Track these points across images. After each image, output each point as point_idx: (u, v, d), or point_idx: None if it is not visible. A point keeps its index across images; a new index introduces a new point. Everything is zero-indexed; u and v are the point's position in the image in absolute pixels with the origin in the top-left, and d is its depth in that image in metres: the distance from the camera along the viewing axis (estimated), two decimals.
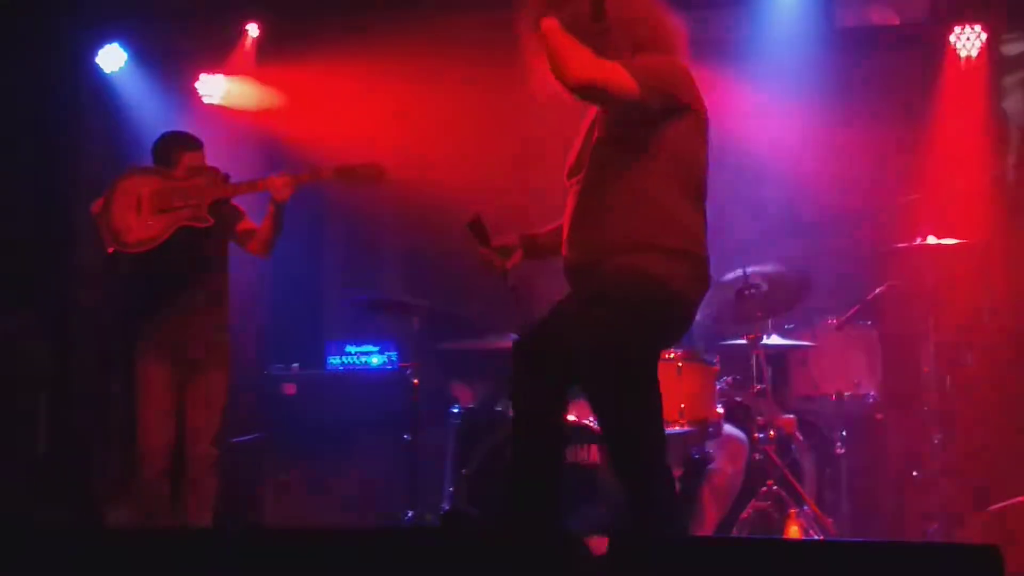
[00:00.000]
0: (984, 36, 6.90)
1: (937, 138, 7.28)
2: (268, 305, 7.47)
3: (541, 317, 3.90)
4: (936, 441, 5.56)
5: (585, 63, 3.62)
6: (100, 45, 7.21)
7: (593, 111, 3.93)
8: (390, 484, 6.11)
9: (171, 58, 7.31)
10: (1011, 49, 7.27)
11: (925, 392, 5.65)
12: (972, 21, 7.02)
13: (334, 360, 6.64)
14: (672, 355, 5.45)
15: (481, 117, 6.84)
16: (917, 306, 5.72)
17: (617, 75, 3.61)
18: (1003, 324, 6.65)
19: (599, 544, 4.76)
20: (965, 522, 5.36)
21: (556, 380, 3.79)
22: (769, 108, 7.65)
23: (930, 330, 5.67)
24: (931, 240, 5.66)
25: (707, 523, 5.58)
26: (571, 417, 5.36)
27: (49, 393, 6.69)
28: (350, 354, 6.61)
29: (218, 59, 7.29)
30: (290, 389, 6.43)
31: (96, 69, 7.24)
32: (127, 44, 7.26)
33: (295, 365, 6.58)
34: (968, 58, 7.16)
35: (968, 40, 6.96)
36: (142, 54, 7.27)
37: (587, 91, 3.65)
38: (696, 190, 3.80)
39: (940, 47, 7.21)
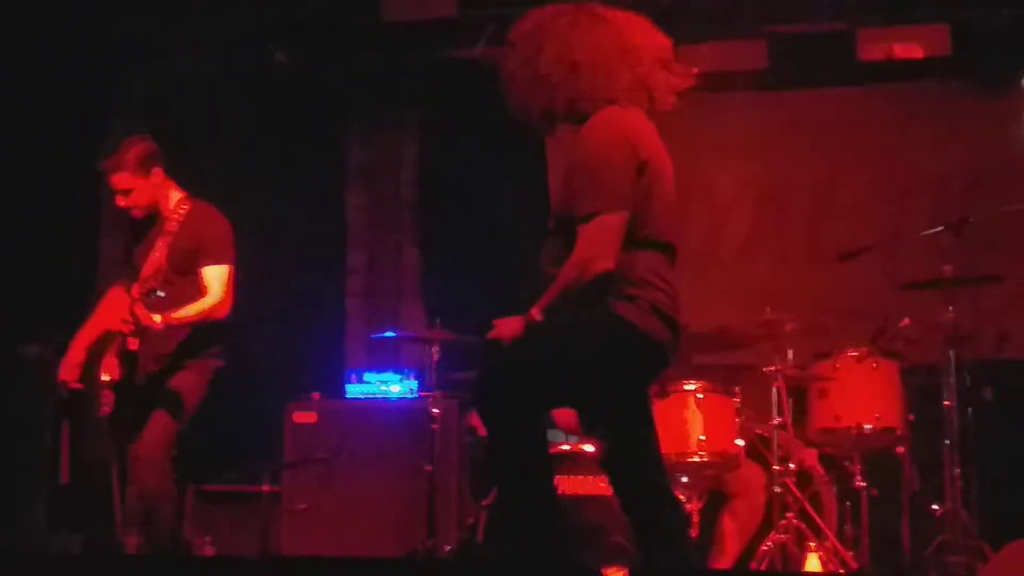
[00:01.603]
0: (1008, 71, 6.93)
1: (960, 170, 7.29)
2: (288, 334, 7.49)
3: None
4: (957, 474, 5.52)
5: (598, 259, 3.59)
6: None
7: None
8: (409, 514, 6.09)
9: None
10: None
11: (946, 425, 5.61)
12: (997, 54, 7.04)
13: (353, 389, 6.64)
14: (693, 386, 5.44)
15: None
16: (938, 339, 5.69)
17: (612, 230, 3.59)
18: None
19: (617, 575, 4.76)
20: (988, 556, 5.31)
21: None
22: (791, 140, 7.68)
23: (951, 363, 5.63)
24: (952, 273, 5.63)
25: (727, 556, 5.57)
26: (589, 448, 5.36)
27: (72, 419, 6.71)
28: (370, 383, 6.61)
29: None
30: (310, 418, 6.42)
31: None
32: None
33: (315, 394, 6.58)
34: (993, 91, 7.19)
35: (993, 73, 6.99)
36: None
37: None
38: (652, 233, 3.74)
39: (965, 80, 7.23)
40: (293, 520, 6.28)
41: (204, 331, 5.08)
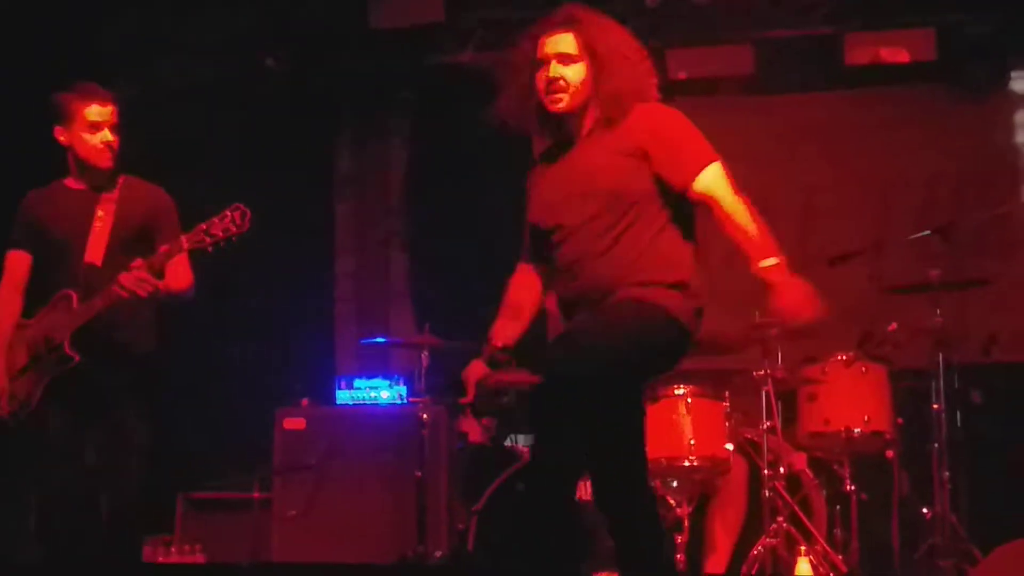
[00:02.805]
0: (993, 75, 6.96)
1: (946, 174, 7.31)
2: (277, 340, 7.49)
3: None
4: (946, 478, 5.54)
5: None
6: None
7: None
8: (399, 521, 6.09)
9: None
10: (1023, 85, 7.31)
11: (935, 429, 5.63)
12: (983, 58, 7.07)
13: (343, 395, 6.64)
14: (682, 390, 5.45)
15: None
16: (926, 343, 5.71)
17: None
18: (1012, 360, 6.65)
19: None
20: (977, 560, 5.33)
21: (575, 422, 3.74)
22: (778, 144, 7.70)
23: (939, 367, 5.66)
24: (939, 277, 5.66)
25: (720, 554, 5.58)
26: None
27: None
28: (359, 389, 6.61)
29: None
30: (299, 424, 6.42)
31: None
32: None
33: (304, 400, 6.58)
34: (979, 95, 7.22)
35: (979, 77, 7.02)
36: None
37: None
38: (691, 227, 3.83)
39: (951, 84, 7.25)
40: (283, 527, 6.28)
41: None
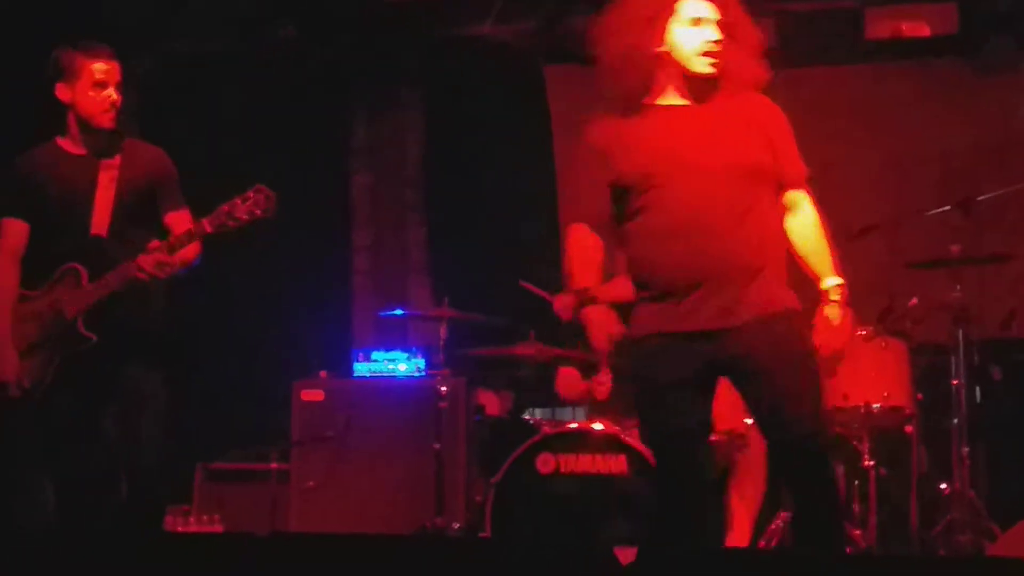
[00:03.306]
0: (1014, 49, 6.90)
1: (967, 149, 7.27)
2: (295, 312, 7.49)
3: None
4: (965, 453, 5.53)
5: None
6: None
7: None
8: (417, 492, 6.11)
9: None
10: None
11: (954, 405, 5.62)
12: (1005, 33, 7.01)
13: (361, 367, 6.64)
14: None
15: None
16: (946, 318, 5.69)
17: None
18: None
19: (627, 554, 4.77)
20: (996, 535, 5.32)
21: None
22: (798, 118, 7.66)
23: (959, 342, 5.64)
24: (959, 253, 5.63)
25: (739, 532, 5.58)
26: (598, 427, 5.36)
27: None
28: (377, 361, 6.61)
29: None
30: (317, 396, 6.43)
31: None
32: None
33: (322, 372, 6.58)
34: (1001, 69, 7.17)
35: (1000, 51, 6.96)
36: None
37: None
38: None
39: (972, 58, 7.20)
40: (302, 498, 6.30)
41: None
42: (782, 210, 3.79)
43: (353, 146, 8.19)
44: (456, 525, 5.87)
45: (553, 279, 7.60)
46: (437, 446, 5.91)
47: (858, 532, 5.43)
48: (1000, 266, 6.11)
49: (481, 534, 5.29)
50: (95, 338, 4.33)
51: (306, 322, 7.45)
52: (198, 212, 4.46)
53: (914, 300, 5.83)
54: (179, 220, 4.52)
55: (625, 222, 3.76)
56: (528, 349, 5.70)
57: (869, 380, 5.67)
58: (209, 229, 4.30)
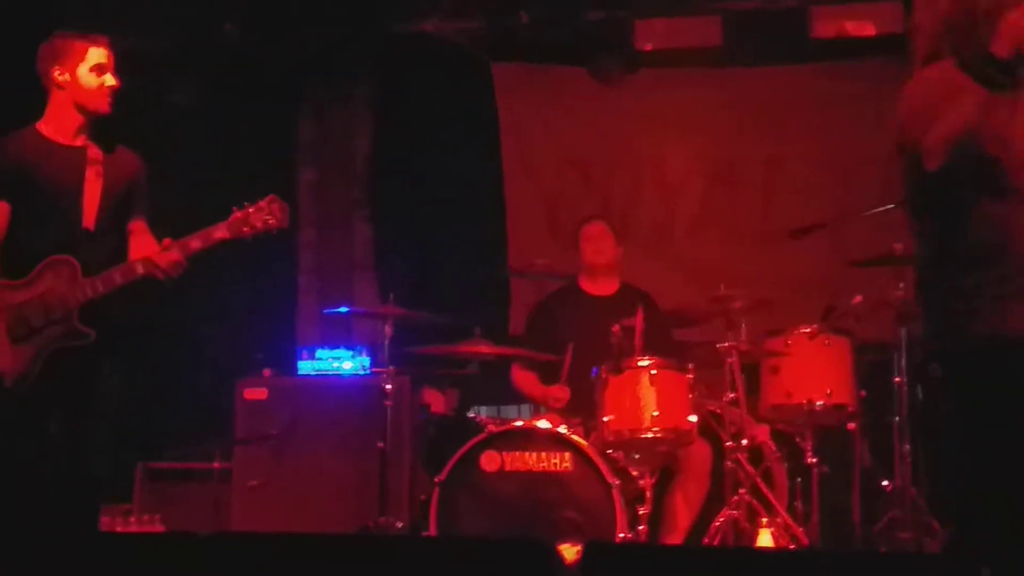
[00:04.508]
0: None
1: None
2: (239, 310, 7.43)
3: None
4: (906, 451, 5.57)
5: None
6: None
7: None
8: (361, 491, 6.07)
9: None
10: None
11: (896, 402, 5.66)
12: None
13: (305, 366, 6.60)
14: (646, 362, 5.45)
15: None
16: (889, 316, 5.73)
17: None
18: None
19: (571, 551, 4.77)
20: (936, 532, 5.37)
21: None
22: (743, 117, 7.71)
23: (902, 340, 5.68)
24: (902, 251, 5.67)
25: (678, 530, 5.59)
26: (543, 424, 5.35)
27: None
28: (322, 359, 6.57)
29: None
30: (260, 394, 6.38)
31: None
32: None
33: (266, 371, 6.53)
34: None
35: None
36: None
37: None
38: None
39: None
40: (243, 497, 6.25)
41: None
42: None
43: (299, 142, 8.14)
44: (400, 524, 5.84)
45: (499, 277, 7.63)
46: (381, 445, 5.87)
47: (801, 529, 5.45)
48: None
49: (425, 533, 5.25)
50: (94, 334, 4.28)
51: (250, 320, 7.39)
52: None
53: (858, 298, 5.86)
54: (140, 228, 4.52)
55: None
56: (473, 347, 5.68)
57: (812, 377, 5.71)
58: (228, 235, 4.31)
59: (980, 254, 3.36)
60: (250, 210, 4.30)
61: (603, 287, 6.14)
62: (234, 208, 4.35)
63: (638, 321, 5.56)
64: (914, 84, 3.56)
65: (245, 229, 4.29)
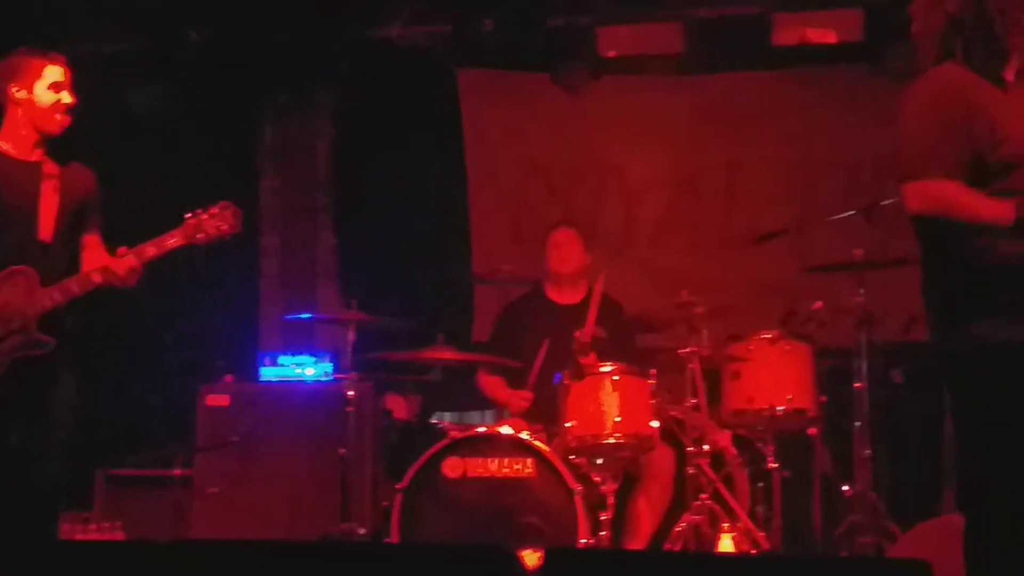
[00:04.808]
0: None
1: (870, 155, 7.37)
2: (201, 316, 7.40)
3: None
4: (867, 456, 5.61)
5: None
6: None
7: None
8: (323, 498, 6.05)
9: None
10: None
11: (857, 407, 5.70)
12: (908, 39, 7.11)
13: (268, 372, 6.58)
14: (609, 368, 5.46)
15: None
16: (849, 322, 5.76)
17: None
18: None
19: (532, 557, 4.77)
20: (896, 537, 5.40)
21: None
22: (705, 124, 7.75)
23: (862, 346, 5.72)
24: (862, 257, 5.72)
25: (641, 536, 5.60)
26: (505, 430, 5.36)
27: None
28: (284, 366, 6.55)
29: None
30: (223, 401, 6.35)
31: None
32: None
33: (228, 377, 6.50)
34: (903, 77, 7.26)
35: (902, 59, 7.04)
36: None
37: None
38: None
39: (876, 65, 7.30)
40: (204, 504, 6.22)
41: None
42: None
43: (262, 148, 8.11)
44: (362, 531, 5.82)
45: (463, 284, 7.63)
46: (343, 451, 5.85)
47: (762, 534, 5.47)
48: (902, 270, 6.17)
49: (387, 540, 5.24)
50: (53, 343, 4.27)
51: (212, 326, 7.36)
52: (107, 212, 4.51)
53: (818, 304, 5.90)
54: (94, 242, 4.54)
55: None
56: (437, 353, 5.67)
57: (773, 383, 5.73)
58: (182, 242, 4.33)
59: (980, 260, 3.46)
60: (203, 216, 4.32)
61: (569, 295, 6.12)
62: (187, 215, 4.36)
63: (596, 295, 5.58)
64: (916, 112, 3.56)
65: (199, 235, 4.31)
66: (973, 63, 3.53)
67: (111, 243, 4.51)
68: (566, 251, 6.13)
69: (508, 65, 7.87)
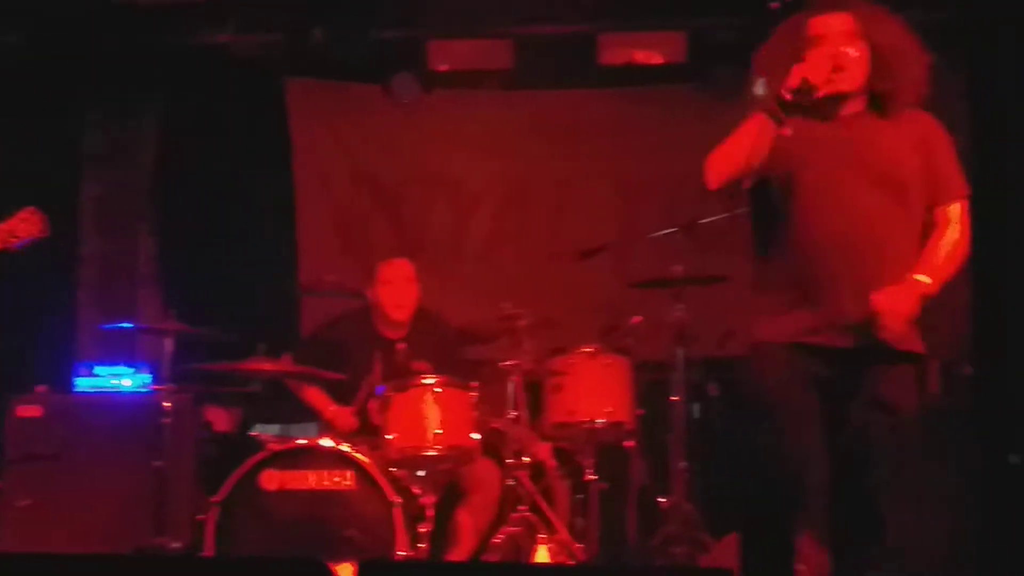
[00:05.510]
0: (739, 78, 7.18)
1: (692, 174, 7.52)
2: (15, 325, 7.16)
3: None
4: (682, 467, 5.72)
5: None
6: None
7: None
8: (137, 511, 5.92)
9: None
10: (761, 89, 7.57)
11: (673, 420, 5.82)
12: (730, 62, 7.30)
13: (83, 382, 6.41)
14: (430, 380, 5.47)
15: None
16: (668, 337, 5.88)
17: None
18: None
19: (347, 570, 4.74)
20: (709, 547, 5.52)
21: None
22: (534, 139, 7.84)
23: (679, 360, 5.84)
24: (681, 273, 5.85)
25: (462, 549, 5.61)
26: (325, 443, 5.31)
27: None
28: (100, 376, 6.40)
29: None
30: (35, 412, 6.17)
31: None
32: None
33: (41, 387, 6.32)
34: (725, 98, 7.45)
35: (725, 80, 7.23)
36: None
37: None
38: None
39: (700, 86, 7.47)
40: (15, 518, 6.03)
41: None
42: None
43: (85, 154, 7.91)
44: (177, 544, 5.71)
45: (289, 294, 7.56)
46: (159, 463, 5.74)
47: (579, 545, 5.53)
48: (719, 287, 6.35)
49: (201, 553, 5.15)
50: None
51: (26, 335, 7.13)
52: None
53: (638, 318, 6.01)
54: None
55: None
56: (255, 364, 5.59)
57: (593, 396, 5.81)
58: None
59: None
60: (14, 221, 4.26)
61: (398, 330, 6.03)
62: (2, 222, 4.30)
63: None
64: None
65: (12, 240, 4.23)
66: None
67: None
68: (399, 293, 5.95)
69: (340, 76, 7.84)
